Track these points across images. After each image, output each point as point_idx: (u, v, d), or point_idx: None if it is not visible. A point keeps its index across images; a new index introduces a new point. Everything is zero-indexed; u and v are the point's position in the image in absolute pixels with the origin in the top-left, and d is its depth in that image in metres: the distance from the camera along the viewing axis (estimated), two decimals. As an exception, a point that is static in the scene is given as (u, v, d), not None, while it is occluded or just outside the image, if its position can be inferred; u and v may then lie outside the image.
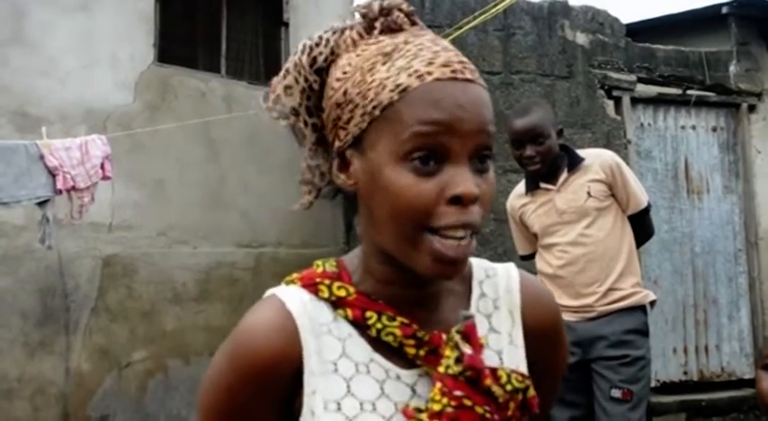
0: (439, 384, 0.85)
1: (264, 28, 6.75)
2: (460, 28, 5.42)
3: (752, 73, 6.54)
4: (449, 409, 0.83)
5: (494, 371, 0.87)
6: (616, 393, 3.02)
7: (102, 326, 5.42)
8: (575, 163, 3.15)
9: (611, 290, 3.09)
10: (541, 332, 0.99)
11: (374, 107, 0.85)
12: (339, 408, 0.86)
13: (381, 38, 0.89)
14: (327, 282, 0.92)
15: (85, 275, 5.39)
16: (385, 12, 0.90)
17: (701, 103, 6.38)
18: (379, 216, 0.87)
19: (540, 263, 3.27)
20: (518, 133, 3.10)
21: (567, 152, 3.20)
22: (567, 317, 3.13)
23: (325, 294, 0.91)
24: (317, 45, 0.92)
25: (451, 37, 5.38)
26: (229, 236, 6.01)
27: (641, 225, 3.22)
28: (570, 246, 3.13)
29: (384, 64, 0.86)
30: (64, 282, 5.31)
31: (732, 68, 6.48)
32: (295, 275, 0.95)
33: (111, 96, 5.58)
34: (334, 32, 0.92)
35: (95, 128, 5.30)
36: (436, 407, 0.84)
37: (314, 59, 0.92)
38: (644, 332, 3.12)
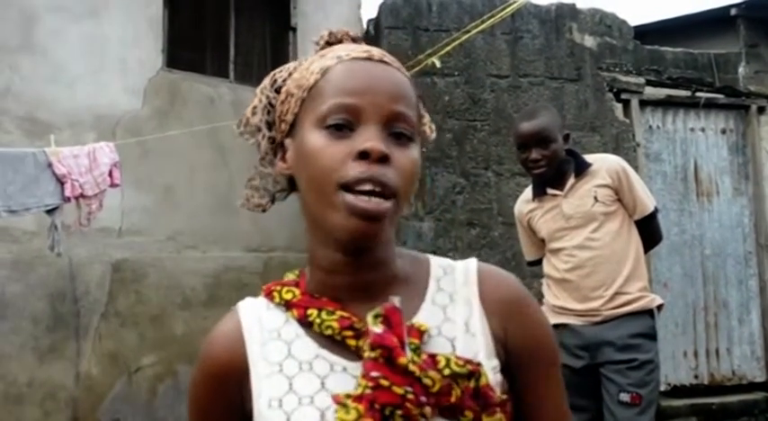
0: (361, 368, 0.88)
1: (272, 33, 6.76)
2: (468, 31, 5.42)
3: (761, 75, 6.51)
4: (367, 391, 0.85)
5: (432, 356, 0.88)
6: (625, 397, 3.01)
7: (111, 331, 5.43)
8: (581, 168, 3.15)
9: (617, 294, 3.08)
10: (503, 313, 0.97)
11: (304, 90, 0.95)
12: (280, 405, 0.91)
13: (324, 49, 1.02)
14: (279, 288, 1.01)
15: (95, 280, 5.41)
16: (332, 35, 1.03)
17: (710, 106, 6.36)
18: (303, 186, 0.94)
19: (547, 267, 3.26)
20: (524, 136, 3.10)
21: (573, 157, 3.19)
22: (573, 320, 3.12)
23: (277, 299, 0.99)
24: (280, 72, 1.05)
25: (459, 40, 5.38)
26: (238, 240, 6.02)
27: (648, 230, 3.21)
28: (577, 249, 3.12)
29: (318, 60, 0.98)
30: (74, 287, 5.33)
31: (741, 70, 6.46)
32: (264, 286, 1.04)
33: (120, 102, 5.61)
34: (296, 62, 1.06)
35: (104, 133, 5.32)
36: (358, 391, 0.86)
37: (275, 81, 1.04)
38: (651, 336, 3.11)
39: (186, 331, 5.71)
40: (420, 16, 5.78)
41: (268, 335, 0.97)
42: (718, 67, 6.41)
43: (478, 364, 0.89)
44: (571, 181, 3.15)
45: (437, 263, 1.03)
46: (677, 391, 5.96)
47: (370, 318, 0.89)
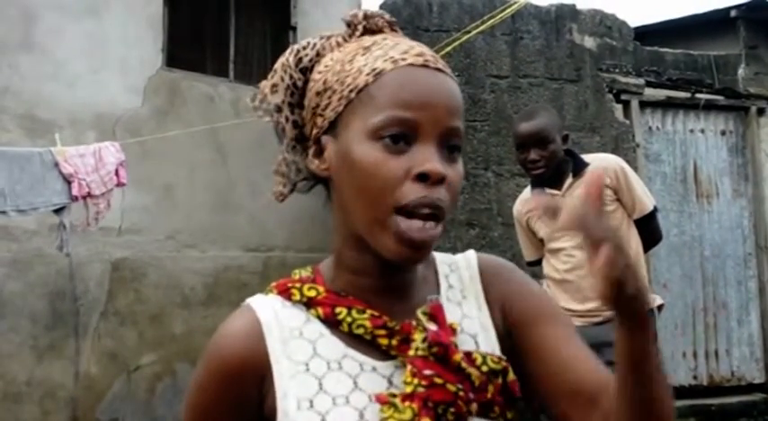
0: (409, 367, 0.86)
1: (272, 32, 6.76)
2: (468, 32, 5.42)
3: (761, 76, 6.52)
4: (420, 389, 0.84)
5: (468, 354, 0.88)
6: (624, 398, 3.01)
7: (111, 330, 5.43)
8: (579, 168, 3.15)
9: None
10: (501, 289, 0.99)
11: (350, 90, 0.89)
12: (312, 406, 0.88)
13: (363, 37, 0.96)
14: (299, 285, 0.96)
15: (95, 279, 5.41)
16: (368, 18, 0.97)
17: (709, 107, 6.36)
18: (349, 196, 0.90)
19: (546, 268, 3.27)
20: (523, 137, 3.10)
21: (572, 157, 3.20)
22: (574, 321, 3.11)
23: (297, 297, 0.95)
24: (304, 48, 0.98)
25: (459, 41, 5.38)
26: (237, 240, 6.02)
27: (648, 229, 3.22)
28: (576, 250, 3.12)
29: (363, 55, 0.91)
30: (73, 285, 5.33)
31: (741, 72, 6.46)
32: (273, 284, 0.99)
33: (119, 101, 5.60)
34: (321, 38, 0.98)
35: (104, 132, 5.32)
36: (408, 389, 0.84)
37: (300, 59, 0.97)
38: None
39: (185, 330, 5.70)
40: (420, 16, 5.78)
41: (289, 333, 0.93)
42: (718, 69, 6.42)
43: (507, 360, 0.91)
44: (569, 181, 3.16)
45: (441, 259, 1.03)
46: (676, 392, 5.94)
47: (420, 316, 0.88)
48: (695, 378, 6.11)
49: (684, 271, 6.15)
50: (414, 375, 0.85)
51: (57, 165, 4.57)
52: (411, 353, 0.87)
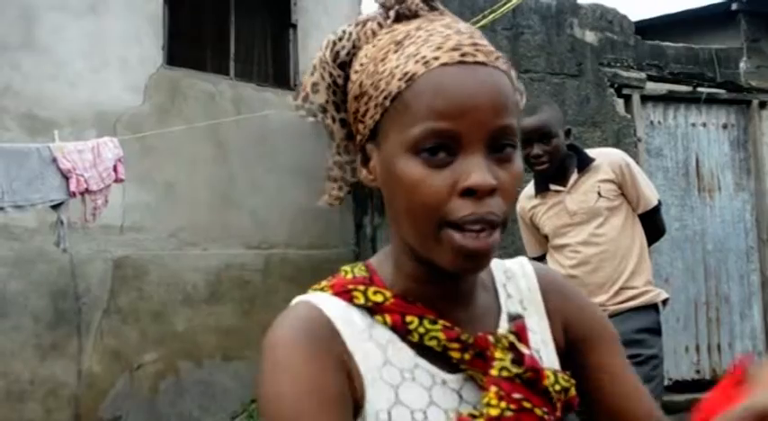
0: (494, 388, 0.81)
1: (273, 30, 6.76)
2: (469, 27, 5.41)
3: (762, 69, 6.50)
4: (508, 413, 0.80)
5: (538, 371, 0.85)
6: (629, 392, 3.00)
7: (113, 328, 5.44)
8: (584, 163, 3.14)
9: (622, 289, 3.08)
10: (560, 305, 0.97)
11: (384, 97, 0.82)
12: (390, 418, 0.82)
13: (396, 26, 0.86)
14: (362, 287, 0.87)
15: (97, 277, 5.41)
16: (403, 4, 0.87)
17: (711, 101, 6.34)
18: (397, 210, 0.84)
19: (551, 264, 3.25)
20: (526, 132, 3.09)
21: (576, 152, 3.19)
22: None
23: (361, 300, 0.87)
24: (340, 39, 0.89)
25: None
26: (239, 237, 6.02)
27: (652, 224, 3.21)
28: (582, 245, 3.12)
29: (395, 52, 0.83)
30: (75, 284, 5.33)
31: (742, 65, 6.45)
32: (324, 283, 0.90)
33: (120, 99, 5.61)
34: (357, 25, 0.90)
35: (105, 130, 5.32)
36: (494, 412, 0.80)
37: (337, 54, 0.89)
38: (656, 331, 3.11)
39: (187, 328, 5.71)
40: (420, 12, 5.77)
41: (359, 335, 0.84)
42: (720, 63, 6.40)
43: (571, 376, 0.87)
44: (574, 176, 3.15)
45: (496, 266, 0.98)
46: (679, 386, 5.95)
47: (510, 336, 0.85)
48: (698, 372, 6.10)
49: (687, 265, 6.14)
50: (501, 398, 0.80)
51: (55, 160, 4.57)
52: (494, 372, 0.82)
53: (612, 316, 3.07)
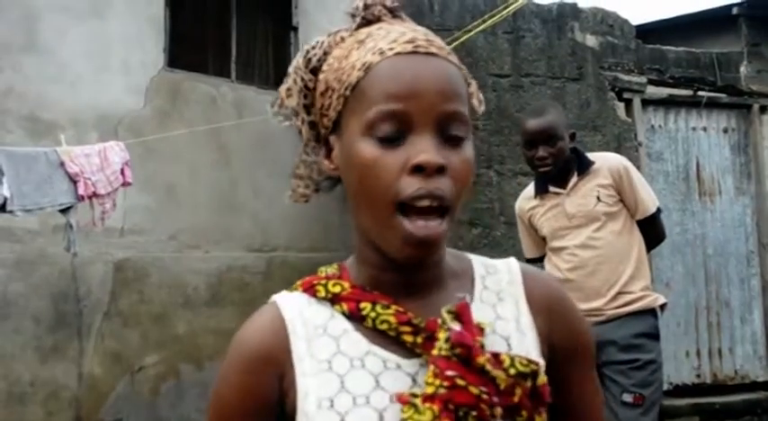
0: (432, 366, 0.84)
1: (274, 32, 6.77)
2: (469, 31, 5.42)
3: (763, 74, 6.51)
4: (441, 390, 0.82)
5: (496, 355, 0.86)
6: (627, 398, 3.00)
7: (114, 331, 5.44)
8: (584, 167, 3.15)
9: (620, 293, 3.08)
10: (548, 313, 0.97)
11: (345, 88, 0.88)
12: (332, 405, 0.86)
13: (361, 30, 0.94)
14: (324, 281, 0.95)
15: (98, 280, 5.41)
16: (367, 7, 0.95)
17: (712, 105, 6.36)
18: (353, 194, 0.89)
19: (548, 266, 3.26)
20: (531, 133, 3.10)
21: (577, 156, 3.19)
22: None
23: (322, 293, 0.93)
24: (313, 47, 0.96)
25: (460, 40, 5.38)
26: (240, 240, 6.03)
27: (651, 230, 3.21)
28: (579, 249, 3.12)
29: (357, 49, 0.90)
30: (76, 286, 5.34)
31: (743, 69, 6.46)
32: (298, 282, 0.97)
33: (122, 101, 5.61)
34: (329, 35, 0.97)
35: (107, 133, 5.33)
36: (429, 390, 0.82)
37: (309, 60, 0.96)
38: (654, 335, 3.11)
39: (188, 331, 5.71)
40: (422, 15, 5.78)
41: (313, 330, 0.92)
42: (720, 67, 6.41)
43: (538, 363, 0.88)
44: (574, 179, 3.15)
45: (479, 261, 1.01)
46: (680, 391, 5.95)
47: (445, 315, 0.86)
48: (698, 376, 6.11)
49: (687, 269, 6.15)
50: (435, 376, 0.83)
51: (62, 164, 4.58)
52: (435, 352, 0.84)
53: (610, 320, 3.08)
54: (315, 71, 0.95)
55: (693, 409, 5.80)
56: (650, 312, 3.12)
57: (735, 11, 6.49)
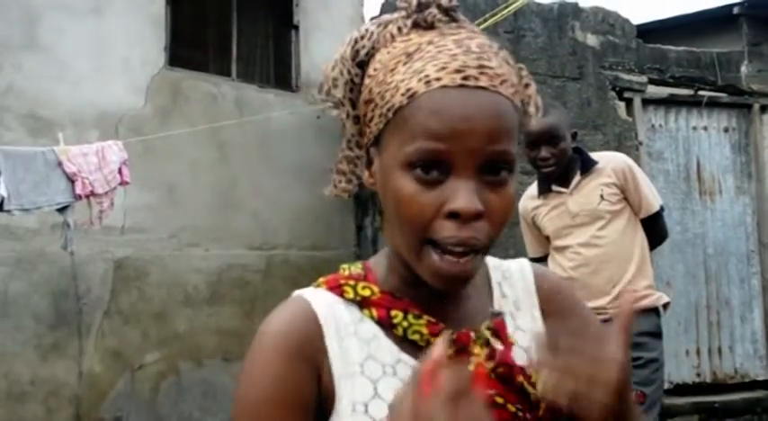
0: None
1: (275, 31, 6.77)
2: (471, 30, 5.41)
3: (764, 73, 6.50)
4: None
5: (523, 369, 0.86)
6: (629, 395, 3.00)
7: (114, 329, 5.44)
8: (588, 166, 3.15)
9: (623, 292, 3.08)
10: (557, 307, 0.98)
11: (388, 109, 0.84)
12: (366, 411, 0.85)
13: (412, 36, 0.87)
14: (352, 282, 0.92)
15: (98, 278, 5.42)
16: (423, 6, 0.88)
17: (712, 104, 6.35)
18: (389, 217, 0.88)
19: (552, 265, 3.26)
20: (534, 134, 3.09)
21: (580, 155, 3.19)
22: (580, 319, 3.11)
23: (351, 295, 0.91)
24: (362, 38, 0.91)
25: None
26: (240, 238, 6.03)
27: (654, 228, 3.21)
28: (583, 247, 3.12)
29: (405, 64, 0.84)
30: (76, 284, 5.34)
31: (744, 69, 6.45)
32: (321, 279, 0.94)
33: (122, 100, 5.61)
34: (379, 26, 0.91)
35: (107, 131, 5.33)
36: None
37: (356, 52, 0.91)
38: (657, 334, 3.11)
39: (188, 329, 5.71)
40: (422, 14, 5.78)
41: (344, 330, 0.89)
42: (721, 66, 6.41)
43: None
44: (577, 178, 3.15)
45: (494, 265, 1.00)
46: (680, 389, 5.95)
47: (485, 332, 0.86)
48: (698, 375, 6.10)
49: (687, 268, 6.15)
50: None
51: (60, 164, 4.58)
52: (471, 367, 0.83)
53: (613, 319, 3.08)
54: (361, 64, 0.91)
55: (693, 408, 5.80)
56: (653, 311, 3.13)
57: (735, 10, 6.49)
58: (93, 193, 4.68)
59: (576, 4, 6.11)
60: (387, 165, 0.85)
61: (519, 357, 0.90)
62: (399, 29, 0.88)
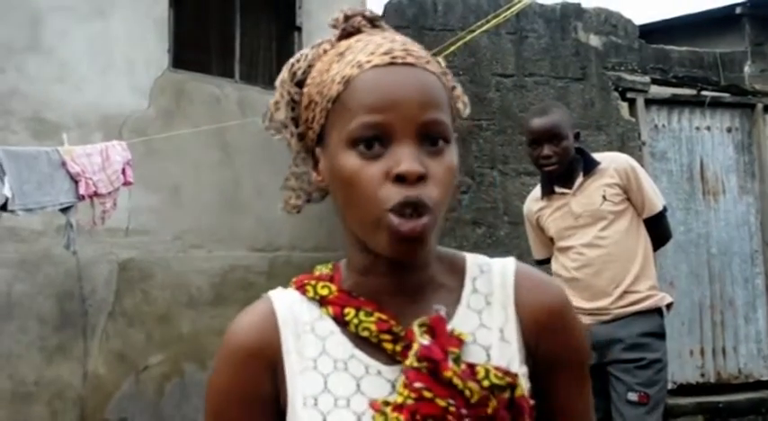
0: (402, 377, 0.86)
1: (278, 33, 6.78)
2: (473, 31, 5.43)
3: (766, 73, 6.50)
4: (410, 401, 0.84)
5: (471, 366, 0.87)
6: (632, 396, 3.01)
7: (118, 331, 5.45)
8: (590, 167, 3.16)
9: (626, 292, 3.08)
10: (539, 323, 0.95)
11: (327, 101, 0.90)
12: (316, 404, 0.90)
13: (341, 43, 0.95)
14: (314, 282, 0.97)
15: (102, 280, 5.43)
16: (348, 19, 0.96)
17: (715, 104, 6.35)
18: (341, 204, 0.91)
19: (555, 266, 3.26)
20: (536, 132, 3.11)
21: (582, 156, 3.20)
22: (582, 319, 3.11)
23: (311, 294, 0.96)
24: (297, 61, 0.98)
25: (464, 40, 5.39)
26: (244, 240, 6.04)
27: (657, 229, 3.21)
28: (586, 248, 3.13)
29: (337, 62, 0.91)
30: (81, 286, 5.35)
31: (746, 69, 6.45)
32: (294, 279, 1.01)
33: (126, 102, 5.62)
34: (312, 47, 0.99)
35: (111, 133, 5.34)
36: (399, 400, 0.85)
37: (294, 74, 0.98)
38: (660, 335, 3.11)
39: (193, 330, 5.72)
40: (425, 16, 5.79)
41: (301, 327, 0.94)
42: (724, 66, 6.41)
43: (515, 375, 0.89)
44: (580, 179, 3.16)
45: (474, 261, 1.01)
46: (684, 390, 5.95)
47: (416, 328, 0.87)
48: (702, 375, 6.10)
49: (691, 268, 6.15)
50: (405, 386, 0.85)
51: (64, 164, 4.59)
52: (407, 363, 0.86)
53: (617, 319, 3.08)
54: (300, 84, 0.97)
55: (697, 408, 5.80)
56: (656, 311, 3.13)
57: (738, 10, 6.49)
58: (96, 194, 4.69)
59: (579, 5, 6.12)
60: (332, 154, 0.90)
61: (477, 356, 0.91)
62: (331, 44, 0.97)
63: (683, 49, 6.41)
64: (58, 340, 5.22)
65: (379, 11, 6.05)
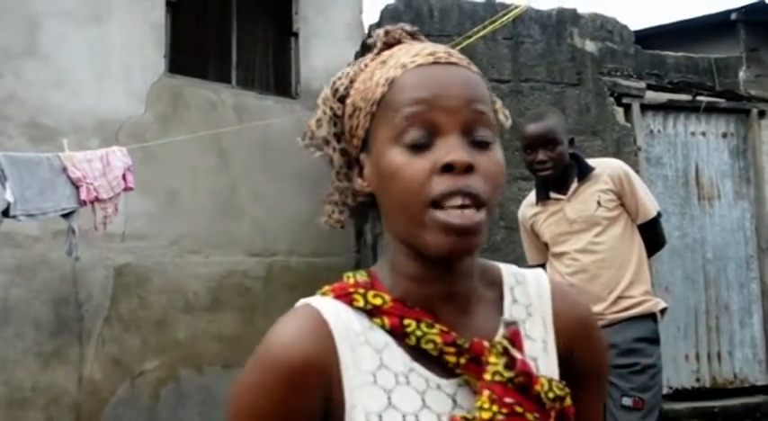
0: (487, 392, 0.84)
1: (274, 39, 6.79)
2: (470, 37, 5.44)
3: (762, 79, 6.53)
4: (500, 417, 0.82)
5: (538, 378, 0.87)
6: (627, 401, 3.01)
7: (114, 336, 5.45)
8: (585, 172, 3.16)
9: (620, 298, 3.09)
10: (573, 335, 0.97)
11: (371, 105, 0.90)
12: None
13: (383, 53, 0.96)
14: (362, 291, 0.91)
15: (98, 285, 5.43)
16: (387, 33, 0.98)
17: (710, 110, 6.37)
18: (386, 204, 0.90)
19: (550, 271, 3.26)
20: (531, 138, 3.11)
21: (577, 161, 3.21)
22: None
23: (361, 303, 0.90)
24: (339, 78, 0.98)
25: (461, 46, 5.40)
26: (241, 245, 6.04)
27: (652, 235, 3.22)
28: (580, 253, 3.13)
29: (380, 69, 0.92)
30: (77, 291, 5.35)
31: (742, 74, 6.48)
32: (327, 287, 0.94)
33: (122, 107, 5.63)
34: (353, 64, 0.99)
35: (108, 139, 5.35)
36: (485, 415, 0.82)
37: (336, 90, 0.97)
38: (654, 340, 3.12)
39: (189, 335, 5.72)
40: (421, 21, 5.80)
41: (355, 338, 0.88)
42: (719, 71, 6.43)
43: (566, 386, 0.89)
44: (574, 185, 3.17)
45: (508, 270, 1.01)
46: (679, 394, 5.96)
47: (503, 341, 0.87)
48: (698, 380, 6.11)
49: (686, 273, 6.16)
50: (492, 401, 0.83)
51: (65, 169, 4.61)
52: (487, 377, 0.84)
53: (611, 325, 3.09)
54: (342, 99, 0.97)
55: (693, 413, 5.81)
56: (650, 316, 3.13)
57: (733, 16, 6.51)
58: (97, 199, 4.71)
59: (575, 11, 6.14)
60: (377, 155, 0.89)
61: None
62: (371, 58, 0.97)
63: (679, 54, 6.43)
64: (54, 345, 5.22)
65: (375, 17, 6.07)
